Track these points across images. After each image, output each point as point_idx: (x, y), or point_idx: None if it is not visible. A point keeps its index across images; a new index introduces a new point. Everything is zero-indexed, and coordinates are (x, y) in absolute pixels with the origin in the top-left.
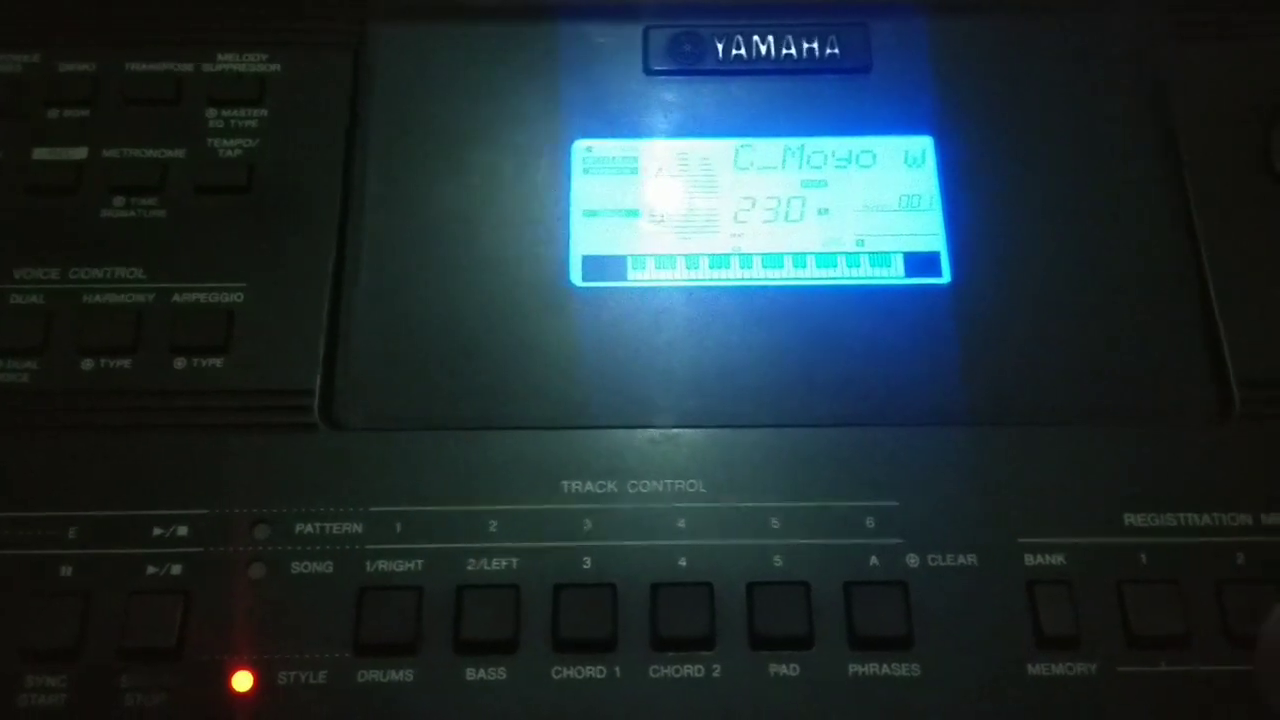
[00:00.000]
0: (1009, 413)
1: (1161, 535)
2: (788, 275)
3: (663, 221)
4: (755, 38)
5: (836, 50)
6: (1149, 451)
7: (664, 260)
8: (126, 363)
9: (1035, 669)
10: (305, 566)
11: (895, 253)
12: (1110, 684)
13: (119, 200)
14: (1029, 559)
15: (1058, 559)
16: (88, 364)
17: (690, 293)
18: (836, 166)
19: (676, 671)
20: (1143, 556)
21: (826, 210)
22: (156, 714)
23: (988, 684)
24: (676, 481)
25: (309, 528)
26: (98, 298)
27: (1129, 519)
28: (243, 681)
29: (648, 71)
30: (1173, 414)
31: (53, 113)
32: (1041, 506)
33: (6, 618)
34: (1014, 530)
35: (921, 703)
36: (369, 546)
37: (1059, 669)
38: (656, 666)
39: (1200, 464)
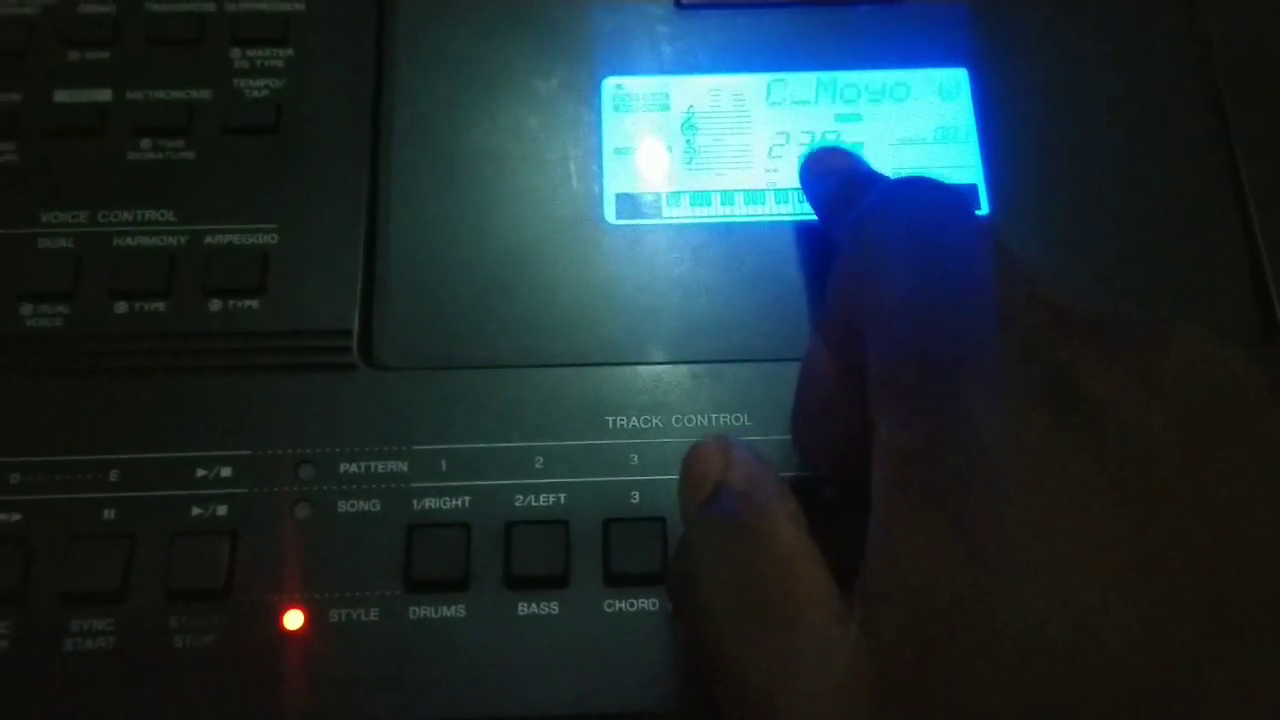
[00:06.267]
0: None
1: None
2: None
3: (696, 158)
4: None
5: None
6: None
7: (699, 197)
8: (161, 306)
9: None
10: (352, 505)
11: None
12: None
13: (146, 142)
14: None
15: None
16: (121, 307)
17: (728, 229)
18: (870, 100)
19: None
20: None
21: (861, 144)
22: (207, 654)
23: None
24: (722, 415)
25: (354, 467)
26: (129, 240)
27: None
28: (294, 620)
29: (679, 5)
30: None
31: (74, 54)
32: None
33: (50, 562)
34: None
35: None
36: (415, 485)
37: None
38: None
39: None
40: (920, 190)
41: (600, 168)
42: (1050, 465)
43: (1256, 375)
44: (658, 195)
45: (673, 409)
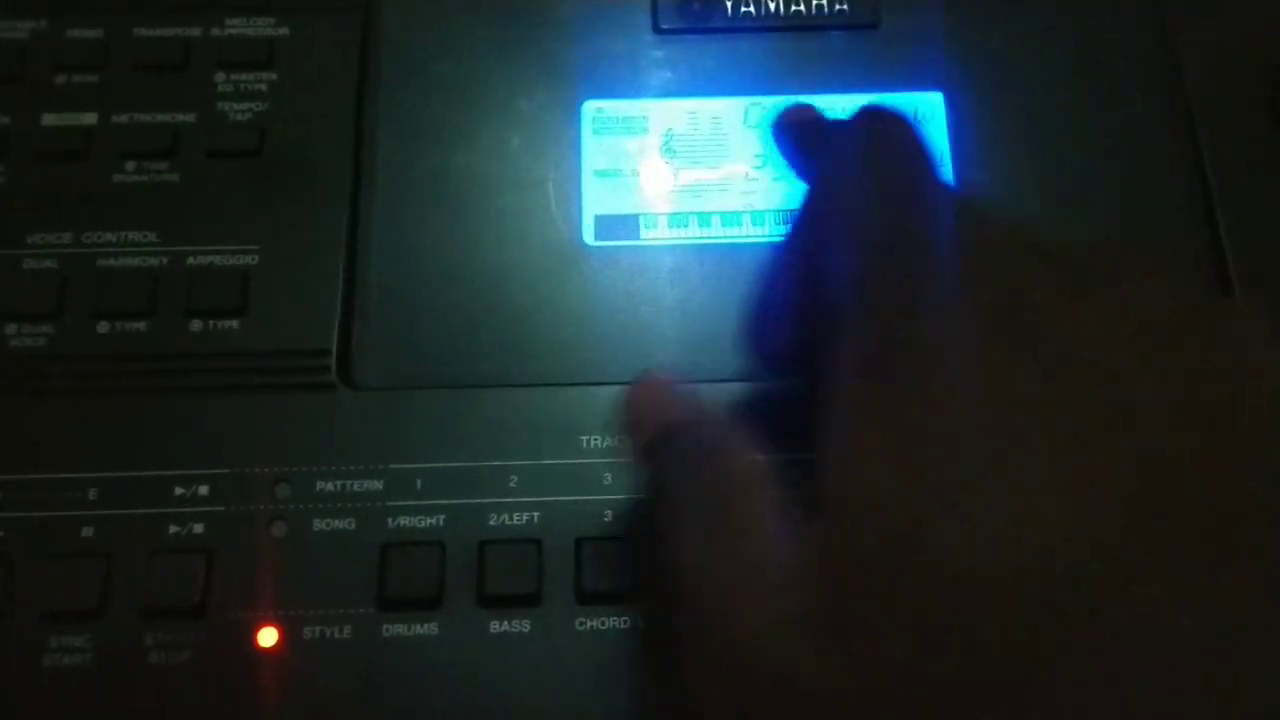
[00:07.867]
0: None
1: None
2: None
3: (674, 180)
4: None
5: (845, 6)
6: None
7: (677, 219)
8: (143, 326)
9: None
10: (327, 524)
11: None
12: None
13: (130, 165)
14: None
15: None
16: (104, 327)
17: (704, 250)
18: None
19: None
20: None
21: None
22: (182, 671)
23: None
24: None
25: (330, 486)
26: (112, 261)
27: None
28: (268, 637)
29: (657, 30)
30: None
31: (61, 78)
32: None
33: (29, 579)
34: None
35: None
36: (390, 503)
37: None
38: None
39: None
40: (883, 122)
41: (580, 190)
42: (995, 378)
43: (1202, 314)
44: (635, 217)
45: None
